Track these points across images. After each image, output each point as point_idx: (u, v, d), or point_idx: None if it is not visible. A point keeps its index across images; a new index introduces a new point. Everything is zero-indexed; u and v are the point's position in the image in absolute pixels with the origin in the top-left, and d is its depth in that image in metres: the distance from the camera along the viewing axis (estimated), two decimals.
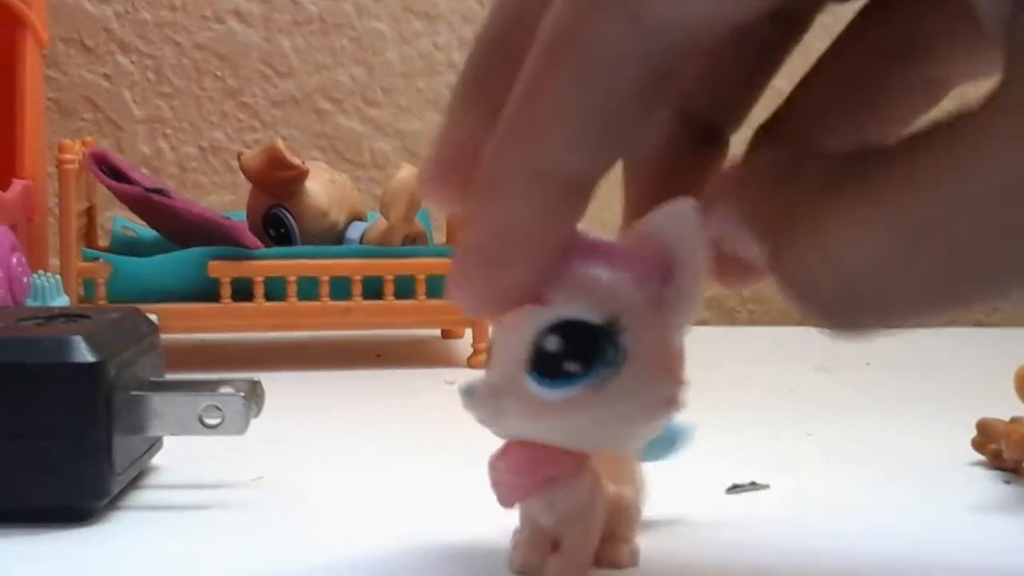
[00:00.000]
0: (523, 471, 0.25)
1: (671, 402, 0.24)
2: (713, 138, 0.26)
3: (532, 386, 0.24)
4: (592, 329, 0.24)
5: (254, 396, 0.33)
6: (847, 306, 0.19)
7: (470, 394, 0.25)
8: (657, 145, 0.25)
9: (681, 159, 0.25)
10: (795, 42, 0.25)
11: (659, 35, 0.20)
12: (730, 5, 0.20)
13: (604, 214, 0.26)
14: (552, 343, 0.24)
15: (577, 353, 0.24)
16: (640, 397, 0.24)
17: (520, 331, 0.24)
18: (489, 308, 0.24)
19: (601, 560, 0.27)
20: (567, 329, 0.24)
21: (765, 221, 0.21)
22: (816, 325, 0.20)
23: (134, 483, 0.34)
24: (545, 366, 0.24)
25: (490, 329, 0.27)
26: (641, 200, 0.25)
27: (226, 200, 0.69)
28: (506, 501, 0.26)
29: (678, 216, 0.23)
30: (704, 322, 0.69)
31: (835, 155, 0.21)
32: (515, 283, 0.23)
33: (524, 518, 0.27)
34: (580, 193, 0.21)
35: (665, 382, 0.24)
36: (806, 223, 0.20)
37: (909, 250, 0.19)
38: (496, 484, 0.26)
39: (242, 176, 0.55)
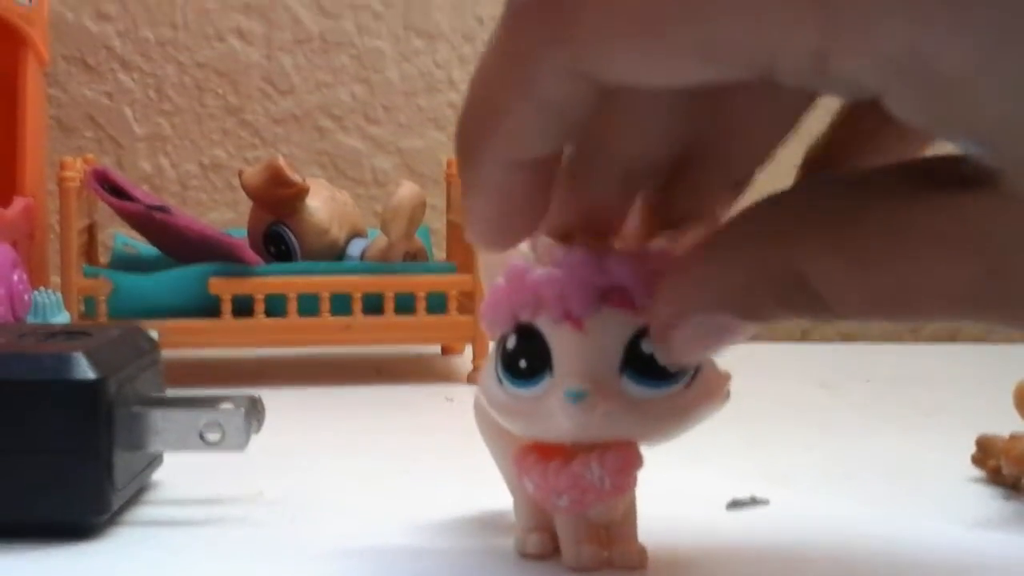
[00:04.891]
0: (624, 470, 0.27)
1: (728, 393, 0.27)
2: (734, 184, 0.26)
3: (631, 387, 0.26)
4: None
5: (254, 412, 0.33)
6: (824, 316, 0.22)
7: (580, 399, 0.25)
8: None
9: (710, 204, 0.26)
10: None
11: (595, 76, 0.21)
12: (663, 71, 0.21)
13: None
14: (650, 345, 0.25)
15: None
16: (716, 388, 0.27)
17: (604, 336, 0.26)
18: (503, 249, 0.26)
19: (613, 562, 0.28)
20: None
21: (739, 290, 0.23)
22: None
23: (134, 499, 0.34)
24: (645, 367, 0.26)
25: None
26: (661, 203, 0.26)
27: (227, 217, 0.69)
28: (606, 501, 0.27)
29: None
30: None
31: (793, 197, 0.23)
32: (522, 237, 0.25)
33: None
34: (547, 163, 0.23)
35: (724, 376, 0.27)
36: (793, 278, 0.22)
37: (884, 304, 0.21)
38: (589, 489, 0.27)
39: (243, 193, 0.55)
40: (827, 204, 0.22)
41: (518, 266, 0.27)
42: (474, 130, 0.23)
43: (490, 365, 0.27)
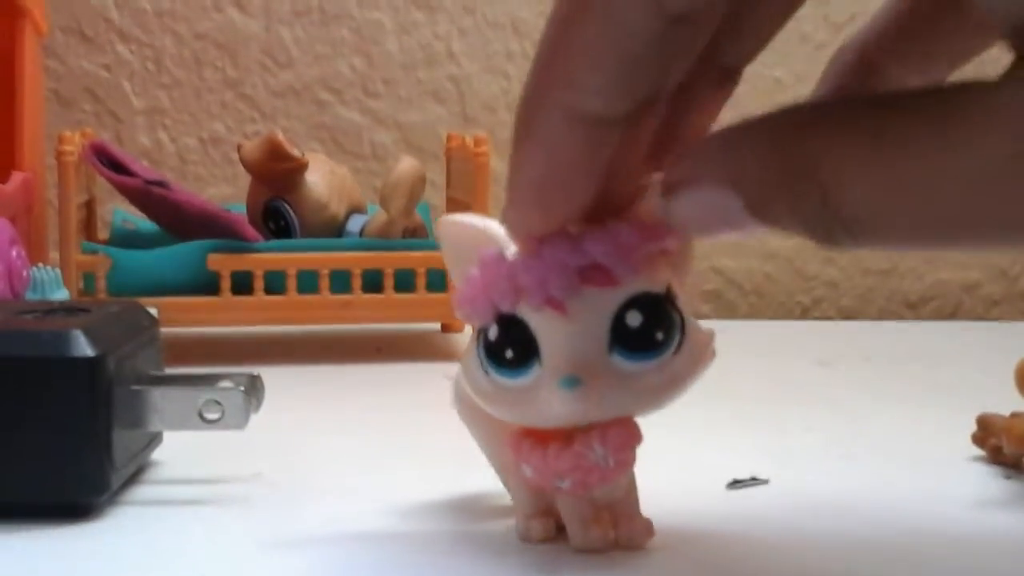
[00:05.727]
0: (625, 447, 0.27)
1: (713, 352, 0.27)
2: (729, 74, 0.26)
3: (622, 363, 0.26)
4: (660, 299, 0.26)
5: (254, 390, 0.33)
6: (835, 234, 0.21)
7: (575, 385, 0.25)
8: (677, 82, 0.25)
9: (699, 94, 0.26)
10: None
11: None
12: None
13: None
14: (634, 318, 0.25)
15: (658, 323, 0.26)
16: (701, 351, 0.26)
17: (589, 317, 0.25)
18: (542, 230, 0.26)
19: (620, 540, 0.28)
20: (641, 303, 0.26)
21: (753, 175, 0.22)
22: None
23: (134, 478, 0.34)
24: (633, 341, 0.26)
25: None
26: (662, 134, 0.26)
27: (226, 192, 0.69)
28: (611, 480, 0.27)
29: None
30: (704, 316, 0.69)
31: (830, 101, 0.23)
32: (568, 209, 0.25)
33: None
34: (616, 127, 0.23)
35: (708, 334, 0.27)
36: (803, 170, 0.21)
37: (903, 201, 0.21)
38: (592, 469, 0.27)
39: (242, 168, 0.54)
40: (850, 105, 0.22)
41: (492, 255, 0.26)
42: (540, 75, 0.23)
43: (472, 355, 0.27)
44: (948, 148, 0.20)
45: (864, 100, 0.22)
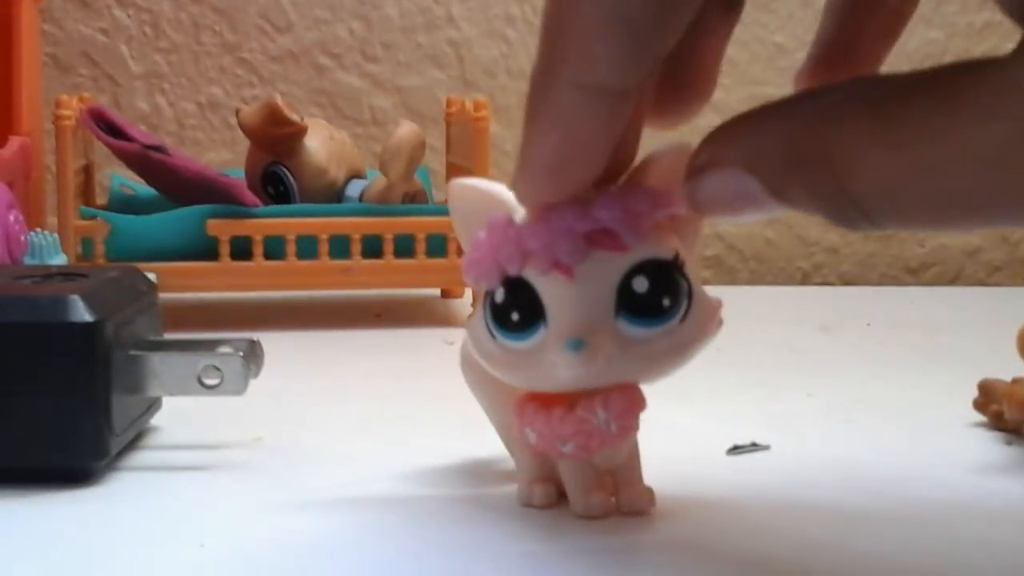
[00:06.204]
0: (628, 412, 0.27)
1: (720, 321, 0.27)
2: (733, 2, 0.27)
3: (627, 329, 0.26)
4: (667, 265, 0.26)
5: (253, 356, 0.33)
6: (853, 217, 0.22)
7: (581, 348, 0.25)
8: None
9: (705, 23, 0.26)
10: None
11: None
12: None
13: None
14: (641, 284, 0.26)
15: (665, 289, 0.26)
16: (708, 320, 0.27)
17: (596, 282, 0.26)
18: (554, 200, 0.26)
19: (621, 507, 0.28)
20: (649, 269, 0.26)
21: (770, 159, 0.23)
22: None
23: (133, 444, 0.33)
24: (640, 306, 0.26)
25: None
26: (672, 69, 0.26)
27: (225, 157, 0.69)
28: (613, 444, 0.27)
29: (679, 156, 0.25)
30: (704, 281, 0.69)
31: (840, 86, 0.23)
32: (582, 180, 0.25)
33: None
34: (626, 97, 0.23)
35: (715, 303, 0.27)
36: (817, 154, 0.22)
37: (915, 183, 0.21)
38: (595, 433, 0.27)
39: (241, 133, 0.54)
40: (860, 90, 0.22)
41: (499, 218, 0.26)
42: (548, 51, 0.23)
43: (479, 318, 0.27)
44: (958, 128, 0.20)
45: (873, 82, 0.22)
